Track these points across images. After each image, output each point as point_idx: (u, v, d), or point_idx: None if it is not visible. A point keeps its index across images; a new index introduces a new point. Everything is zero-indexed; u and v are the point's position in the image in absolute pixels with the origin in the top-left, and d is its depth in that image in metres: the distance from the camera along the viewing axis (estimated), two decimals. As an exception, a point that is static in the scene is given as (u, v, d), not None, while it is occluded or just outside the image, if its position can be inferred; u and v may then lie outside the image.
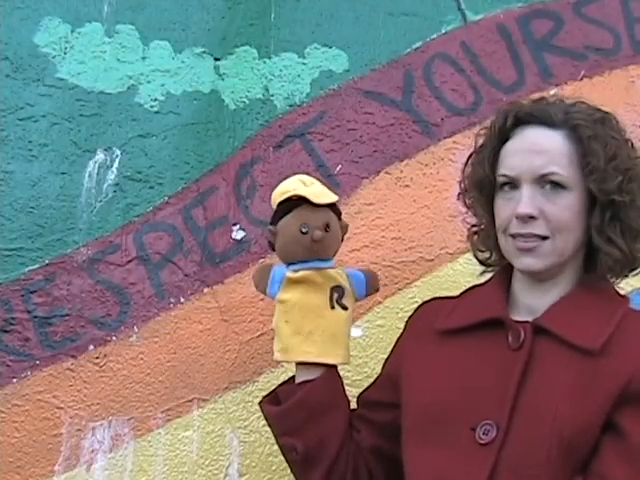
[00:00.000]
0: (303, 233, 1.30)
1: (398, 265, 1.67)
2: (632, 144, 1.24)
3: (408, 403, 1.27)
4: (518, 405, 1.14)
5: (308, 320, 1.32)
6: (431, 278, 1.68)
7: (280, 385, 1.39)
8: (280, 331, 1.33)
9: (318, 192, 1.33)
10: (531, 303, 1.24)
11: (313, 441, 1.30)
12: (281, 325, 1.33)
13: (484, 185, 1.27)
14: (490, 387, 1.17)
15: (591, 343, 1.15)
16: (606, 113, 1.24)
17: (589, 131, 1.19)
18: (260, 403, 1.39)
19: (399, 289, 1.66)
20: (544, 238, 1.18)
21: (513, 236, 1.20)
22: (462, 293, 1.35)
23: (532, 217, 1.18)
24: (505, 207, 1.22)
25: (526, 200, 1.18)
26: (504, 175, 1.22)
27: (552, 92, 1.72)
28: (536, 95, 1.46)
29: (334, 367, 1.36)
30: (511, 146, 1.23)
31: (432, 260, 1.68)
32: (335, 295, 1.34)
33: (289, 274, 1.32)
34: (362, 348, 1.61)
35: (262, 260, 1.61)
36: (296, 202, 1.31)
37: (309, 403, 1.31)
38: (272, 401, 1.37)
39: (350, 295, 1.36)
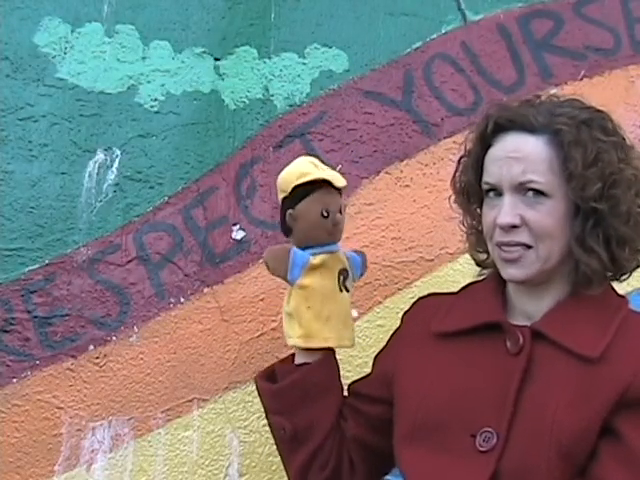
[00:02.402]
0: (324, 217, 1.31)
1: (398, 265, 1.67)
2: (622, 145, 1.20)
3: (403, 405, 1.26)
4: (517, 412, 1.13)
5: (326, 305, 1.32)
6: (431, 278, 1.68)
7: (280, 361, 1.40)
8: (301, 317, 1.32)
9: (334, 175, 1.34)
10: (527, 308, 1.23)
11: (303, 423, 1.30)
12: (303, 310, 1.32)
13: (470, 192, 1.27)
14: (489, 393, 1.16)
15: (590, 351, 1.14)
16: (597, 112, 1.21)
17: (570, 135, 1.16)
18: (255, 377, 1.40)
19: (399, 289, 1.66)
20: (528, 247, 1.17)
21: (498, 245, 1.19)
22: (460, 290, 1.34)
23: (514, 226, 1.16)
24: (489, 215, 1.21)
25: (506, 209, 1.17)
26: (487, 183, 1.21)
27: (552, 92, 1.72)
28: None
29: (333, 352, 1.36)
30: (492, 153, 1.21)
31: (432, 260, 1.68)
32: (341, 278, 1.35)
33: (312, 259, 1.32)
34: (362, 348, 1.61)
35: (262, 260, 1.61)
36: (312, 186, 1.32)
37: (304, 385, 1.31)
38: (268, 377, 1.38)
39: (350, 278, 1.38)
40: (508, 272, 1.20)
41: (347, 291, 1.37)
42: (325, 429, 1.31)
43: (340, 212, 1.34)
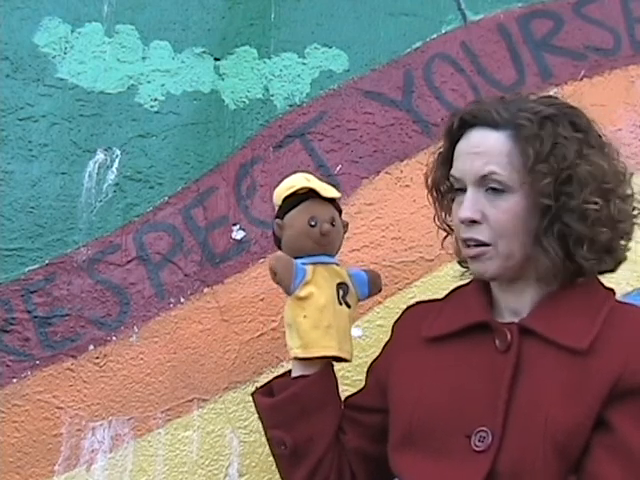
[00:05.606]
0: (312, 226, 1.31)
1: (398, 265, 1.67)
2: (589, 142, 1.17)
3: (398, 411, 1.26)
4: (511, 410, 1.13)
5: (325, 315, 1.31)
6: (431, 278, 1.68)
7: (276, 378, 1.39)
8: (299, 327, 1.31)
9: (322, 186, 1.34)
10: (512, 305, 1.23)
11: (303, 437, 1.29)
12: (300, 320, 1.31)
13: (442, 190, 1.28)
14: (482, 392, 1.16)
15: (579, 343, 1.13)
16: (569, 108, 1.20)
17: (529, 130, 1.15)
18: (253, 394, 1.39)
19: (399, 289, 1.66)
20: (487, 245, 1.16)
21: (463, 241, 1.20)
22: (446, 295, 1.34)
23: (474, 221, 1.16)
24: (455, 211, 1.21)
25: (467, 204, 1.17)
26: (452, 176, 1.22)
27: (552, 92, 1.73)
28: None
29: (331, 364, 1.35)
30: (458, 148, 1.22)
31: (432, 260, 1.68)
32: (340, 292, 1.34)
33: (309, 271, 1.31)
34: (362, 348, 1.61)
35: (262, 260, 1.61)
36: (301, 197, 1.32)
37: (302, 398, 1.30)
38: (265, 393, 1.37)
39: (353, 294, 1.37)
40: (473, 268, 1.21)
41: (348, 306, 1.35)
42: (325, 442, 1.30)
43: (332, 224, 1.33)
